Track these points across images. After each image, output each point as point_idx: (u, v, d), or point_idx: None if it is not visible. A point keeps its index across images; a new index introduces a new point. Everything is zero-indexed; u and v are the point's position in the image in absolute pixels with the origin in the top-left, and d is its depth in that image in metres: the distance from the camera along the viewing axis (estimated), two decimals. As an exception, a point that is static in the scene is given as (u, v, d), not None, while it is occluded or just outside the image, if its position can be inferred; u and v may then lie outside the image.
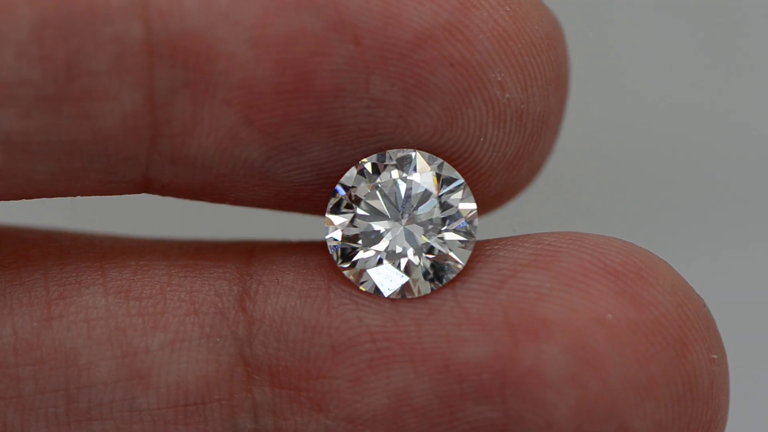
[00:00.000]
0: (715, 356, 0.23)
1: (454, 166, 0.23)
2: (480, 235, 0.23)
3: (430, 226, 0.23)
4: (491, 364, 0.22)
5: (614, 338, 0.22)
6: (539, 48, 0.23)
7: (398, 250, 0.23)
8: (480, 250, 0.23)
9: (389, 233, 0.23)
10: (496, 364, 0.22)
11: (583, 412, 0.22)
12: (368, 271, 0.23)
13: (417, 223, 0.23)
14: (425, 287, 0.23)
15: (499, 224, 0.26)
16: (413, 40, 0.22)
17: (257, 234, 0.26)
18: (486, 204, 0.24)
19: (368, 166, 0.23)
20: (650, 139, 0.43)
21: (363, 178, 0.23)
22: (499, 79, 0.22)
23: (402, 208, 0.23)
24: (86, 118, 0.21)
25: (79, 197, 0.23)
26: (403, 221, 0.23)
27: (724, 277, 0.41)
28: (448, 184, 0.23)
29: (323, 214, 0.23)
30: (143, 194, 0.23)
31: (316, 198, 0.23)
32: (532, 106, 0.23)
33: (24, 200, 0.23)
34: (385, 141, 0.22)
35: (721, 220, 0.43)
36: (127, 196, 0.24)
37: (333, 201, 0.23)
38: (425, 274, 0.23)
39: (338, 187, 0.23)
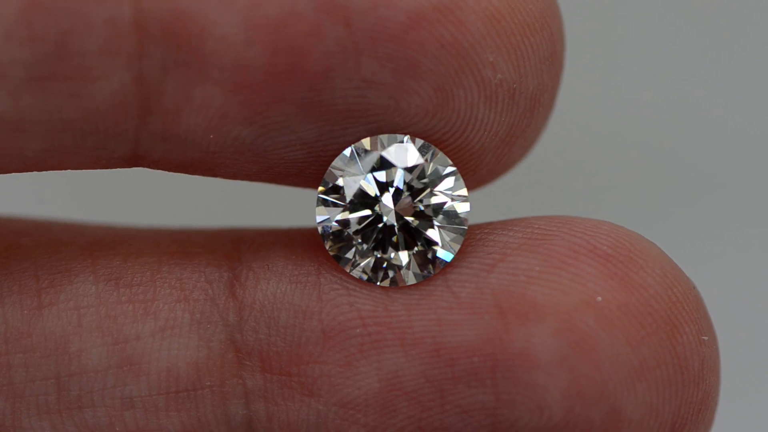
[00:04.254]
0: (705, 338, 0.23)
1: (446, 147, 0.23)
2: (470, 220, 0.23)
3: (421, 213, 0.23)
4: (482, 347, 0.22)
5: (604, 321, 0.22)
6: (533, 27, 0.22)
7: (389, 236, 0.23)
8: (470, 235, 0.23)
9: (380, 220, 0.23)
10: (486, 348, 0.22)
11: (574, 395, 0.22)
12: (359, 258, 0.23)
13: (408, 210, 0.23)
14: (416, 277, 0.23)
15: (489, 209, 0.26)
16: (404, 21, 0.22)
17: (248, 216, 0.26)
18: (477, 180, 0.24)
19: (360, 151, 0.23)
20: (642, 123, 0.43)
21: (354, 163, 0.23)
22: (491, 59, 0.22)
23: (393, 195, 0.23)
24: (77, 98, 0.21)
25: (71, 180, 0.23)
26: (395, 208, 0.23)
27: (714, 260, 0.41)
28: (440, 171, 0.23)
29: (313, 188, 0.23)
30: (135, 169, 0.23)
31: (306, 174, 0.23)
32: (524, 85, 0.23)
33: (14, 191, 0.23)
34: (377, 122, 0.22)
35: (711, 204, 0.43)
36: (118, 178, 0.24)
37: (324, 186, 0.23)
38: (416, 263, 0.23)
39: (330, 172, 0.23)
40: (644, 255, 0.23)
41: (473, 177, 0.24)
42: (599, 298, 0.22)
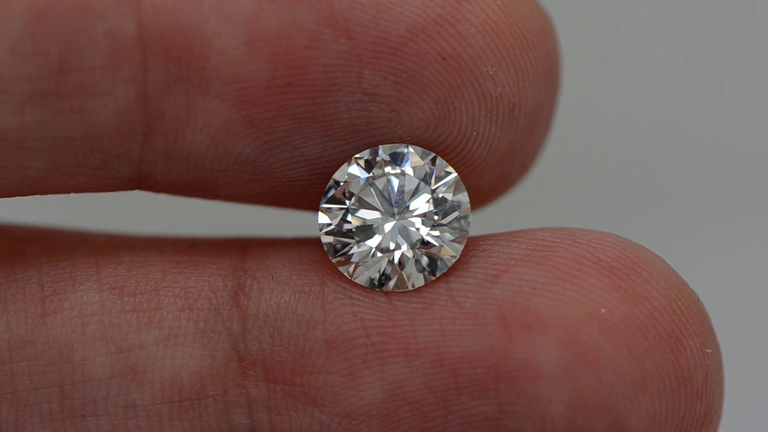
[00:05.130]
0: (709, 350, 0.23)
1: (447, 161, 0.23)
2: (474, 231, 0.23)
3: (424, 220, 0.23)
4: (485, 358, 0.22)
5: (608, 332, 0.22)
6: (531, 42, 0.23)
7: (392, 244, 0.23)
8: (474, 246, 0.23)
9: (383, 228, 0.23)
10: (490, 359, 0.22)
11: (577, 406, 0.22)
12: (362, 265, 0.23)
13: (410, 218, 0.23)
14: (419, 280, 0.23)
15: (493, 220, 0.26)
16: (405, 35, 0.22)
17: (251, 231, 0.26)
18: (479, 199, 0.24)
19: (361, 161, 0.23)
20: (644, 133, 0.43)
21: (356, 173, 0.23)
22: (491, 72, 0.22)
23: (395, 202, 0.23)
24: (80, 114, 0.21)
25: (75, 195, 0.23)
26: (397, 216, 0.23)
27: (719, 272, 0.41)
28: (441, 178, 0.23)
29: (316, 210, 0.23)
30: (137, 191, 0.23)
31: (309, 193, 0.23)
32: (524, 100, 0.23)
33: (19, 198, 0.23)
34: (378, 136, 0.23)
35: (715, 215, 0.43)
36: (121, 193, 0.24)
37: (326, 196, 0.23)
38: (419, 267, 0.23)
39: (332, 183, 0.23)
40: (648, 267, 0.23)
41: (474, 194, 0.24)
42: (603, 310, 0.22)
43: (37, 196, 0.23)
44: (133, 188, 0.23)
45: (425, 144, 0.23)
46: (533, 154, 0.24)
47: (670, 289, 0.23)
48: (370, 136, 0.23)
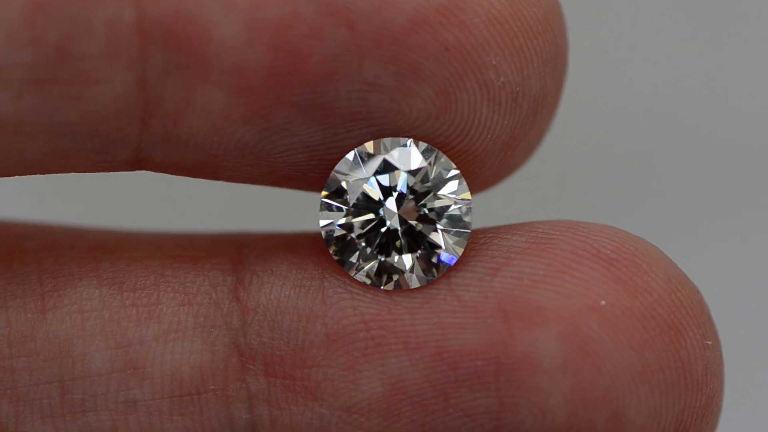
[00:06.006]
0: (709, 342, 0.23)
1: (449, 150, 0.23)
2: (474, 225, 0.23)
3: (425, 218, 0.23)
4: (485, 351, 0.22)
5: (608, 325, 0.22)
6: (536, 30, 0.22)
7: (392, 241, 0.23)
8: (474, 239, 0.23)
9: (384, 225, 0.23)
10: (490, 351, 0.22)
11: (578, 399, 0.22)
12: (362, 262, 0.23)
13: (411, 215, 0.23)
14: (420, 280, 0.23)
15: (493, 213, 0.26)
16: (407, 25, 0.22)
17: (254, 211, 0.26)
18: (481, 183, 0.24)
19: (363, 155, 0.23)
20: (645, 127, 0.43)
21: (358, 166, 0.23)
22: (494, 62, 0.22)
23: (397, 199, 0.23)
24: (78, 101, 0.21)
25: (75, 182, 0.23)
26: (398, 211, 0.23)
27: (717, 266, 0.41)
28: (443, 175, 0.23)
29: (317, 191, 0.23)
30: (137, 172, 0.23)
31: (310, 177, 0.23)
32: (527, 88, 0.23)
33: (18, 197, 0.23)
34: (379, 125, 0.22)
35: (715, 208, 0.43)
36: (122, 180, 0.24)
37: (327, 190, 0.23)
38: (420, 266, 0.23)
39: (333, 176, 0.23)
40: (648, 259, 0.23)
41: (476, 180, 0.24)
42: (603, 302, 0.22)
43: (35, 190, 0.23)
44: (132, 169, 0.23)
45: (426, 134, 0.23)
46: (536, 139, 0.24)
47: (670, 280, 0.23)
48: (370, 126, 0.22)
